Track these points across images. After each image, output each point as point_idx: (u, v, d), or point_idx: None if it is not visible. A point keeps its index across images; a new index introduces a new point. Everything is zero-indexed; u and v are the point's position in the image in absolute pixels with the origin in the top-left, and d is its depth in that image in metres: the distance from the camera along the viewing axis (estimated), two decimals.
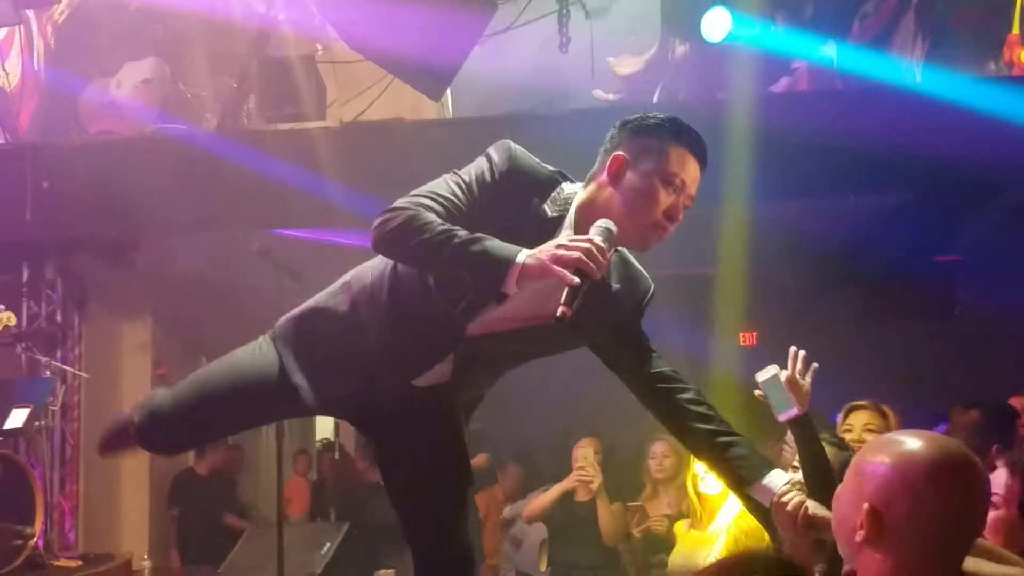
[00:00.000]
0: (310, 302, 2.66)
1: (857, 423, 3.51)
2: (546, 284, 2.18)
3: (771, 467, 2.43)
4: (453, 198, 2.29)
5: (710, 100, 6.21)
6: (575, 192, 2.40)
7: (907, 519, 1.52)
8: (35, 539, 5.44)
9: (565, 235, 2.27)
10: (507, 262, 2.14)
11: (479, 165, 2.35)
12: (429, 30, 5.08)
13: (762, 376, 2.77)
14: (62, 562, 5.99)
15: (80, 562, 6.09)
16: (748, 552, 1.39)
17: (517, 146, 2.39)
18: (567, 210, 2.36)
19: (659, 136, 2.34)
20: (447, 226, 2.20)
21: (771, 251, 7.67)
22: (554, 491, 5.22)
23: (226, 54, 6.80)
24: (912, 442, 1.59)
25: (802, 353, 2.77)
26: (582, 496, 5.31)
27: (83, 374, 6.92)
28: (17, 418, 5.00)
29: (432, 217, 2.22)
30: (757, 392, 2.79)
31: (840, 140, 5.44)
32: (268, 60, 6.30)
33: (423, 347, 2.45)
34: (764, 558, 1.22)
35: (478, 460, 6.04)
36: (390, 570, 5.78)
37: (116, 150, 6.27)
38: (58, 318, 6.88)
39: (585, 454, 5.11)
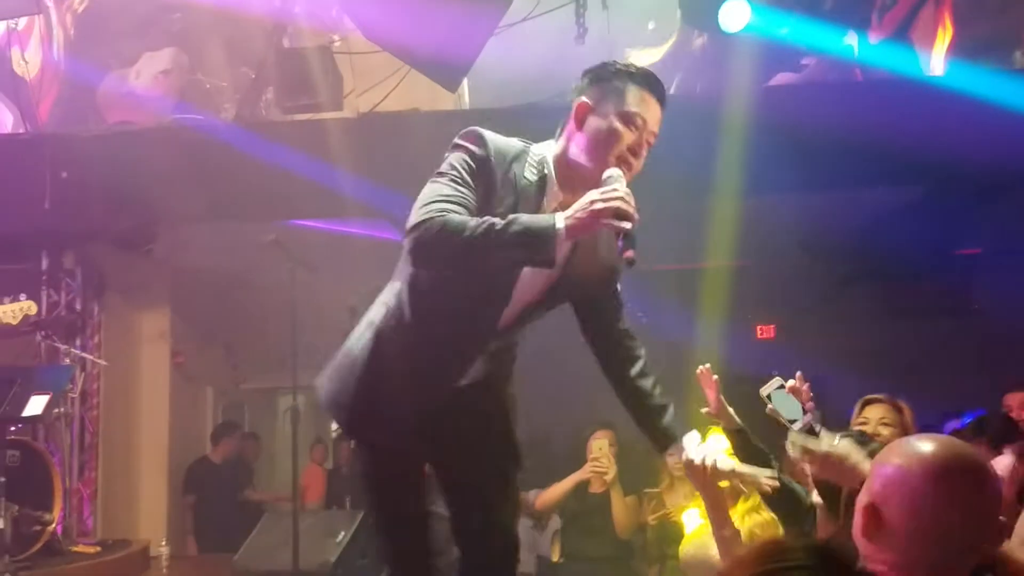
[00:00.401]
0: (339, 356, 2.70)
1: (872, 416, 3.50)
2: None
3: (687, 433, 2.69)
4: (460, 194, 2.36)
5: (729, 92, 6.18)
6: (544, 151, 2.51)
7: (905, 517, 1.52)
8: (54, 525, 5.50)
9: (552, 192, 2.45)
10: (550, 230, 2.25)
11: (459, 157, 2.43)
12: (445, 21, 5.08)
13: (767, 389, 2.89)
14: (80, 548, 6.05)
15: (98, 548, 6.15)
16: (781, 539, 1.39)
17: (482, 129, 2.48)
18: (544, 170, 2.48)
19: (618, 79, 2.47)
20: (478, 219, 2.28)
21: (789, 245, 7.64)
22: (567, 481, 5.22)
23: (244, 45, 6.82)
24: (922, 444, 1.61)
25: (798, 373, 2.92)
26: (596, 488, 5.32)
27: (102, 362, 6.97)
28: (36, 405, 5.05)
29: (461, 217, 2.29)
30: (768, 408, 2.87)
31: (859, 133, 5.40)
32: (285, 51, 6.32)
33: (458, 356, 2.58)
34: (801, 544, 1.21)
35: None
36: None
37: (134, 140, 6.30)
38: (77, 306, 6.94)
39: (600, 445, 5.11)
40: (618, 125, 2.43)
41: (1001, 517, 1.77)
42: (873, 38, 6.03)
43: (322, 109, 6.12)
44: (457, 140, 2.47)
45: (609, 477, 5.09)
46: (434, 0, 5.11)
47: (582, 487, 5.34)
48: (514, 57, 6.09)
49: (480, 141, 2.44)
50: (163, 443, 7.66)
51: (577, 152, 2.46)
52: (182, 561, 6.84)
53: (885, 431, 3.31)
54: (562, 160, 2.49)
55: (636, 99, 2.46)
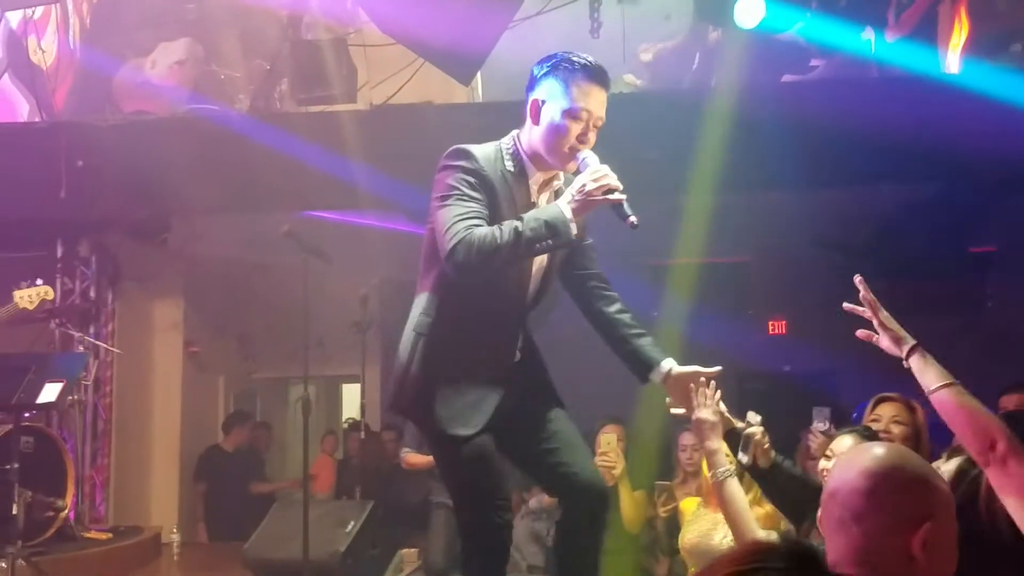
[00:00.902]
0: (398, 371, 2.91)
1: (885, 414, 3.51)
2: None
3: (666, 357, 2.99)
4: (471, 208, 2.68)
5: (742, 87, 6.17)
6: (511, 143, 2.86)
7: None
8: (66, 511, 5.55)
9: (534, 175, 2.84)
10: (562, 216, 2.67)
11: (455, 177, 2.72)
12: (459, 14, 5.08)
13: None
14: (92, 534, 6.11)
15: (110, 534, 6.21)
16: (765, 540, 1.41)
17: (462, 145, 2.79)
18: (519, 158, 2.83)
19: (563, 76, 2.78)
20: (501, 228, 2.64)
21: (802, 240, 7.62)
22: None
23: (259, 36, 6.83)
24: (868, 451, 1.73)
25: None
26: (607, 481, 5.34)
27: (116, 350, 7.02)
28: (50, 392, 5.08)
29: (484, 230, 2.64)
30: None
31: (873, 129, 5.39)
32: (300, 43, 6.34)
33: (507, 335, 2.94)
34: (784, 546, 1.24)
35: None
36: (413, 549, 5.85)
37: (149, 130, 6.33)
38: (92, 294, 6.98)
39: (608, 440, 5.11)
40: (566, 122, 2.76)
41: None
42: (890, 36, 6.00)
43: (336, 101, 6.14)
44: (446, 163, 2.76)
45: (617, 471, 5.09)
46: None
47: None
48: (528, 51, 6.09)
49: (467, 156, 2.75)
50: (175, 431, 7.71)
51: (537, 144, 2.81)
52: (193, 548, 6.90)
53: (896, 429, 3.32)
54: (529, 151, 2.84)
55: (580, 93, 2.77)
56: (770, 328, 9.21)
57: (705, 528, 3.94)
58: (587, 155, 2.76)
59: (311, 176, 5.90)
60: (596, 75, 2.78)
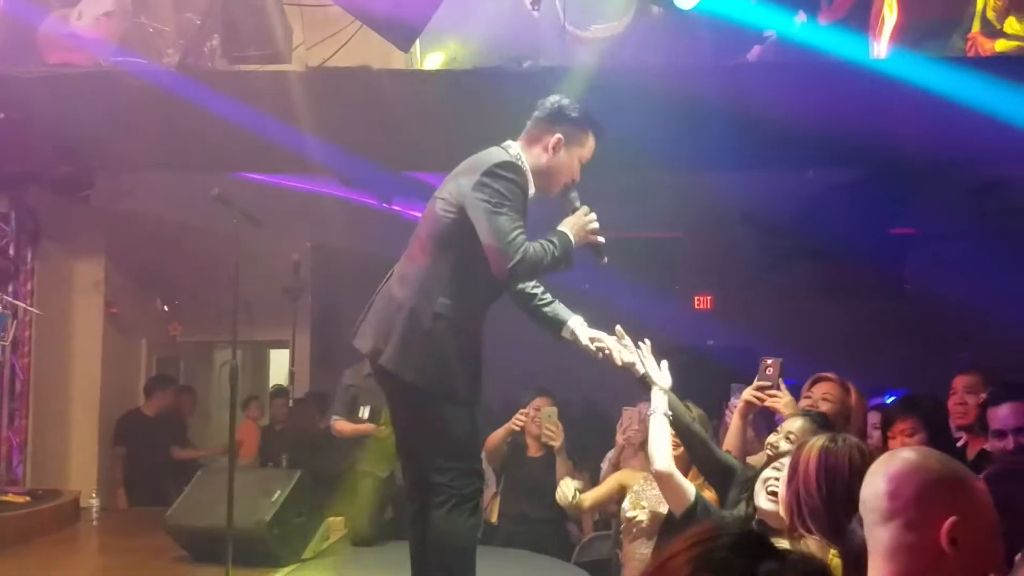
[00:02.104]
0: (421, 346, 3.31)
1: (817, 392, 3.66)
2: None
3: (573, 316, 3.50)
4: (522, 223, 3.21)
5: (678, 68, 6.22)
6: (520, 152, 3.38)
7: None
8: None
9: (531, 194, 3.35)
10: (572, 247, 3.30)
11: (509, 189, 3.22)
12: None
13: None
14: (9, 497, 5.97)
15: (28, 498, 6.07)
16: (714, 524, 1.46)
17: (514, 160, 3.31)
18: (526, 171, 3.34)
19: (585, 127, 3.43)
20: (545, 248, 3.22)
21: (731, 219, 7.76)
22: (501, 430, 5.33)
23: None
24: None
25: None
26: (534, 452, 5.42)
27: (35, 310, 6.83)
28: None
29: (535, 248, 3.19)
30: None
31: (803, 114, 5.49)
32: None
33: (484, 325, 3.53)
34: (736, 526, 1.30)
35: None
36: (339, 518, 5.84)
37: (73, 83, 6.11)
38: (10, 252, 6.77)
39: (549, 413, 5.18)
40: (576, 166, 3.43)
41: None
42: (823, 20, 6.10)
43: (269, 61, 5.99)
44: (501, 172, 3.24)
45: (557, 444, 5.17)
46: None
47: (520, 449, 5.43)
48: (469, 20, 6.04)
49: (520, 172, 3.29)
50: (95, 394, 7.55)
51: (543, 170, 3.39)
52: (113, 513, 6.78)
53: (825, 406, 3.47)
54: (535, 172, 3.38)
55: (591, 147, 3.45)
56: (696, 303, 9.39)
57: (653, 505, 3.95)
58: (575, 195, 3.41)
59: (242, 137, 5.78)
60: (602, 132, 3.45)
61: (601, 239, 3.34)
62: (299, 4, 6.08)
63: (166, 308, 8.29)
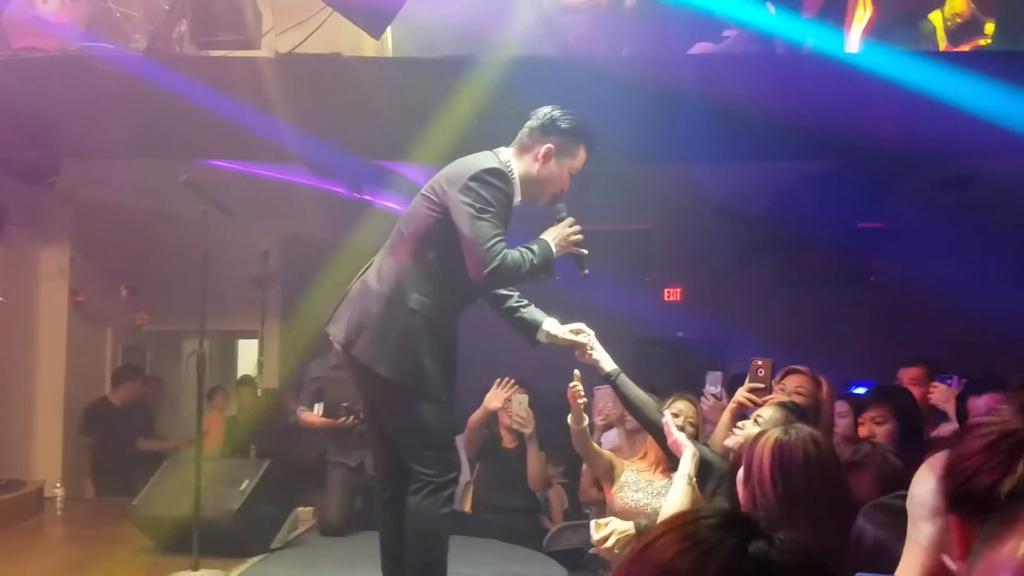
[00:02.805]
0: (397, 342, 3.35)
1: (789, 385, 3.69)
2: None
3: (547, 318, 3.52)
4: (503, 230, 3.27)
5: (651, 58, 6.23)
6: (509, 159, 3.41)
7: None
8: None
9: (516, 201, 3.39)
10: (553, 256, 3.35)
11: (495, 196, 3.26)
12: None
13: None
14: None
15: None
16: (699, 507, 1.45)
17: (502, 167, 3.34)
18: (513, 179, 3.37)
19: (577, 140, 3.46)
20: (523, 255, 3.27)
21: (702, 211, 7.79)
22: (479, 412, 5.33)
23: None
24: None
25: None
26: (508, 442, 5.42)
27: None
28: None
29: (514, 255, 3.25)
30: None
31: (774, 106, 5.52)
32: None
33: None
34: (718, 507, 1.29)
35: None
36: (308, 508, 5.82)
37: (39, 68, 6.00)
38: None
39: (520, 400, 5.19)
40: (565, 177, 3.47)
41: None
42: (805, 14, 6.13)
43: (239, 47, 5.92)
44: (488, 178, 3.28)
45: (528, 431, 5.18)
46: None
47: (494, 440, 5.42)
48: (440, 7, 6.01)
49: (507, 180, 3.33)
50: (60, 383, 7.46)
51: (533, 179, 3.43)
52: (78, 504, 6.70)
53: (798, 399, 3.49)
54: (522, 177, 3.41)
55: (581, 159, 3.48)
56: (666, 295, 9.43)
57: (645, 493, 3.91)
58: (562, 205, 3.47)
59: (211, 124, 5.71)
60: (594, 144, 3.49)
61: (584, 251, 3.41)
62: None
63: (133, 296, 8.19)
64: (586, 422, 3.82)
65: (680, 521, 0.97)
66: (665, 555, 0.94)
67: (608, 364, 3.45)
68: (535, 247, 3.33)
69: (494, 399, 5.34)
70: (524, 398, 5.23)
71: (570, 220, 3.43)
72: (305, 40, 6.05)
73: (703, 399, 4.07)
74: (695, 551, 0.94)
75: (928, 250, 7.74)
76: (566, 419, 3.93)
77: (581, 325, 3.52)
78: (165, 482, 5.16)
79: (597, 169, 6.23)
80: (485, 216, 3.23)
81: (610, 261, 8.29)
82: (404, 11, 5.50)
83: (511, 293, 3.54)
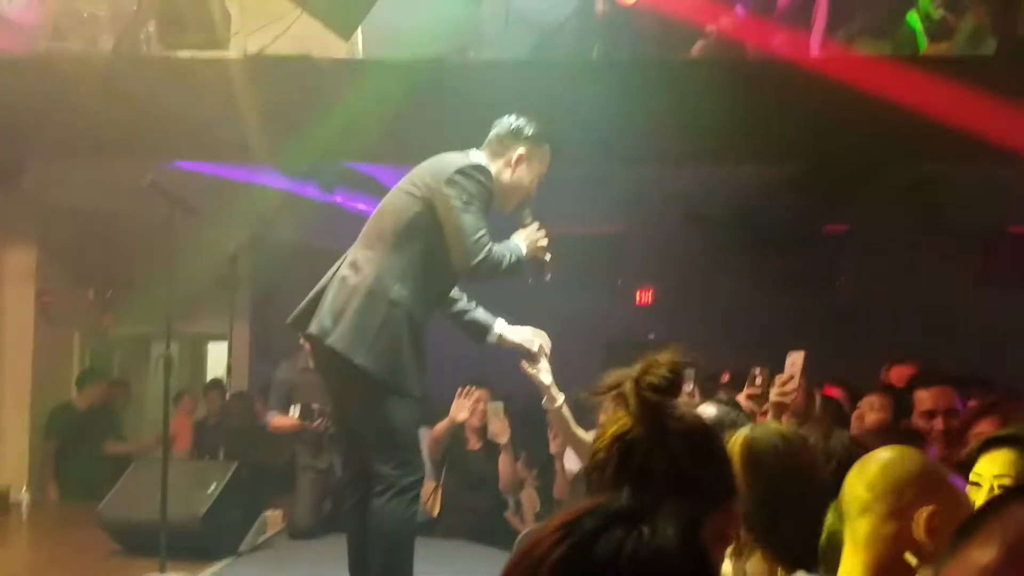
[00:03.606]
0: (377, 335, 3.35)
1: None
2: None
3: (496, 319, 3.59)
4: (486, 222, 3.34)
5: (622, 61, 6.27)
6: (482, 162, 3.48)
7: None
8: None
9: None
10: (522, 255, 3.43)
11: (478, 190, 3.35)
12: None
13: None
14: None
15: None
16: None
17: (484, 163, 3.45)
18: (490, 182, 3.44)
19: (543, 143, 3.56)
20: (504, 252, 3.36)
21: (669, 213, 7.84)
22: (444, 423, 5.31)
23: None
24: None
25: None
26: (474, 444, 5.42)
27: None
28: None
29: (498, 249, 3.35)
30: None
31: (743, 110, 5.58)
32: None
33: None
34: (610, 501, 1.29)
35: None
36: (278, 511, 5.78)
37: (5, 68, 5.94)
38: None
39: (495, 408, 5.15)
40: (534, 182, 3.56)
41: None
42: (763, 19, 6.20)
43: (207, 47, 5.89)
44: (473, 173, 3.38)
45: (503, 440, 5.15)
46: None
47: (460, 442, 5.42)
48: (410, 10, 6.01)
49: (490, 177, 3.43)
50: (26, 386, 7.36)
51: (504, 187, 3.51)
52: (43, 508, 6.63)
53: (787, 406, 3.49)
54: (496, 183, 3.48)
55: (547, 162, 3.59)
56: (638, 297, 9.47)
57: None
58: (529, 212, 3.55)
59: (179, 124, 5.68)
60: (556, 145, 3.59)
61: (548, 255, 3.50)
62: None
63: (100, 298, 8.10)
64: (561, 399, 3.57)
65: (565, 515, 0.97)
66: (542, 549, 0.94)
67: (554, 400, 3.39)
68: (511, 245, 3.42)
69: (460, 410, 5.31)
70: (499, 406, 5.19)
71: (536, 225, 3.52)
72: (274, 41, 6.03)
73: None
74: (572, 541, 0.93)
75: (894, 252, 7.84)
76: (539, 421, 3.94)
77: (542, 333, 3.52)
78: (131, 485, 5.12)
79: (568, 171, 6.26)
80: (471, 209, 3.33)
81: (582, 263, 8.33)
82: (375, 13, 5.50)
83: (459, 296, 3.63)
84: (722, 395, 3.51)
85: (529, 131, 3.53)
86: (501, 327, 3.58)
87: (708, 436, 1.65)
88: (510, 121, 3.56)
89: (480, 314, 3.62)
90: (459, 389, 5.33)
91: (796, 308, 8.04)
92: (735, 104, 5.59)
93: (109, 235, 7.57)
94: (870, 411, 3.94)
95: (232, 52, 6.00)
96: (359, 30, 5.98)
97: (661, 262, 8.82)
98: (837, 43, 6.24)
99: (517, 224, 3.56)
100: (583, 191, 6.65)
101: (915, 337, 6.81)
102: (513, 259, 3.39)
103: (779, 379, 3.45)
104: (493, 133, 3.56)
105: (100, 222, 7.35)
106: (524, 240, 3.47)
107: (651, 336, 9.23)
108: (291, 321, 3.51)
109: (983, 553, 1.00)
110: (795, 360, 3.45)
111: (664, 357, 1.59)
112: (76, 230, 7.42)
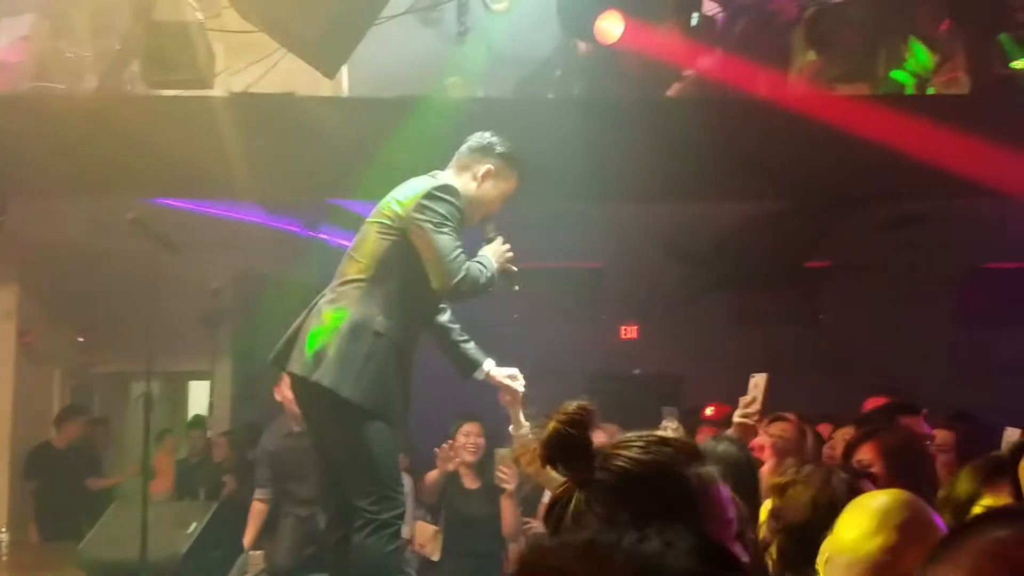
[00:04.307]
0: (359, 362, 3.37)
1: (774, 430, 3.69)
2: None
3: (487, 358, 3.65)
4: (461, 241, 3.36)
5: (603, 99, 6.34)
6: (450, 181, 3.49)
7: None
8: None
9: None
10: (494, 269, 3.45)
11: (449, 210, 3.37)
12: (326, 6, 4.99)
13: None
14: None
15: None
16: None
17: (453, 184, 3.46)
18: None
19: (511, 165, 3.62)
20: (481, 269, 3.40)
21: (653, 249, 7.88)
22: (435, 473, 5.23)
23: (110, 14, 6.53)
24: None
25: None
26: (470, 483, 5.28)
27: None
28: None
29: (475, 267, 3.38)
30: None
31: (723, 146, 5.64)
32: (155, 23, 6.06)
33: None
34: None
35: None
36: (259, 552, 5.70)
37: None
38: None
39: (503, 455, 4.92)
40: (499, 199, 3.59)
41: None
42: (740, 58, 6.29)
43: (192, 86, 5.92)
44: (442, 195, 3.40)
45: (509, 488, 5.03)
46: None
47: (455, 482, 5.33)
48: (396, 50, 6.07)
49: (458, 195, 3.44)
50: (6, 425, 7.30)
51: (470, 200, 3.52)
52: (23, 548, 6.53)
53: (780, 445, 3.50)
54: (465, 199, 3.48)
55: (514, 185, 3.63)
56: (622, 333, 9.49)
57: None
58: (493, 225, 3.60)
59: (163, 163, 5.68)
60: (524, 173, 3.64)
61: (514, 268, 3.55)
62: (222, 30, 6.03)
63: (81, 338, 8.05)
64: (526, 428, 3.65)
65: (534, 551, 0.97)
66: (560, 560, 0.94)
67: (519, 427, 3.55)
68: (483, 262, 3.46)
69: (446, 462, 5.22)
70: (507, 452, 5.04)
71: (501, 239, 3.57)
72: (259, 79, 6.07)
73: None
74: (591, 554, 0.93)
75: (875, 288, 7.90)
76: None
77: (516, 371, 3.64)
78: (111, 525, 5.06)
79: (551, 207, 6.31)
80: (444, 230, 3.35)
81: (566, 298, 8.36)
82: (361, 53, 5.54)
83: (454, 326, 3.68)
84: (706, 430, 3.52)
85: (500, 149, 3.59)
86: (490, 366, 3.63)
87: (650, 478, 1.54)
88: (483, 136, 3.61)
89: (472, 349, 3.67)
90: (437, 449, 5.21)
91: (779, 343, 8.08)
92: (717, 142, 5.65)
93: (91, 273, 7.54)
94: (842, 443, 3.93)
95: (216, 90, 6.03)
96: (344, 68, 6.03)
97: (645, 297, 8.85)
98: (816, 83, 6.35)
99: (481, 240, 3.61)
100: (567, 227, 6.69)
101: (897, 371, 6.84)
102: (490, 274, 3.43)
103: (742, 401, 3.46)
104: (464, 146, 3.62)
105: (82, 260, 7.32)
106: (492, 254, 3.51)
107: (636, 371, 9.25)
108: (271, 360, 3.51)
109: (953, 572, 1.01)
110: (758, 382, 3.47)
111: (571, 406, 1.55)
112: (58, 268, 7.39)
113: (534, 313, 7.44)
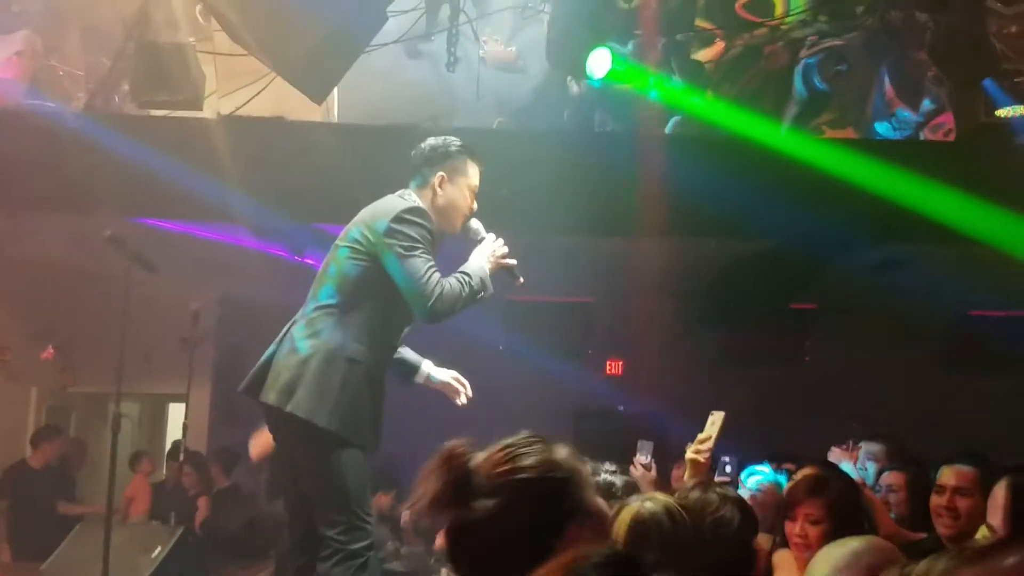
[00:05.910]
0: (336, 391, 3.32)
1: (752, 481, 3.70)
2: None
3: (424, 360, 3.69)
4: (433, 261, 3.32)
5: (596, 135, 6.36)
6: (417, 200, 3.46)
7: None
8: None
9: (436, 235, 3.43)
10: (487, 275, 3.42)
11: (420, 233, 3.32)
12: (315, 32, 4.99)
13: None
14: None
15: None
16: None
17: (422, 205, 3.42)
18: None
19: (462, 157, 3.53)
20: (461, 282, 3.33)
21: (639, 286, 7.86)
22: None
23: (102, 33, 6.53)
24: None
25: None
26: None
27: None
28: None
29: (451, 283, 3.32)
30: None
31: (708, 185, 5.64)
32: (146, 43, 6.07)
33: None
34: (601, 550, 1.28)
35: None
36: None
37: None
38: None
39: None
40: (468, 196, 3.53)
41: None
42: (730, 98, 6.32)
43: (180, 107, 5.91)
44: (410, 217, 3.34)
45: None
46: (305, 9, 5.01)
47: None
48: (387, 77, 6.08)
49: (428, 217, 3.39)
50: None
51: (439, 210, 3.48)
52: None
53: (759, 495, 3.61)
54: (432, 211, 3.44)
55: (474, 172, 3.55)
56: (608, 368, 9.43)
57: None
58: (478, 225, 3.53)
59: (148, 182, 5.65)
60: (480, 154, 3.56)
61: (513, 261, 3.49)
62: (213, 52, 6.03)
63: (58, 356, 7.97)
64: None
65: (564, 561, 0.96)
66: None
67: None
68: (467, 270, 3.40)
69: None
70: None
71: (492, 236, 3.53)
72: (248, 102, 6.07)
73: (632, 468, 4.03)
74: None
75: (860, 331, 7.87)
76: None
77: (456, 374, 3.67)
78: (75, 548, 4.98)
79: (540, 241, 6.29)
80: (415, 253, 3.30)
81: (551, 333, 8.30)
82: (349, 80, 5.54)
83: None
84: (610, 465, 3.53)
85: (443, 150, 3.53)
86: (429, 367, 3.65)
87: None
88: (426, 146, 3.56)
89: (408, 353, 3.66)
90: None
91: (764, 384, 8.04)
92: (705, 180, 5.65)
93: (70, 291, 7.47)
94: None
95: (206, 112, 6.02)
96: (334, 93, 6.03)
97: (631, 333, 8.80)
98: (805, 125, 6.38)
99: (471, 243, 3.54)
100: (554, 261, 6.66)
101: (881, 415, 6.80)
102: (475, 283, 3.36)
103: (698, 437, 3.43)
104: (412, 164, 3.56)
105: (60, 278, 7.26)
106: (485, 255, 3.46)
107: (620, 408, 9.17)
108: (243, 389, 3.44)
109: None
110: (715, 420, 3.44)
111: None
112: (36, 286, 7.32)
113: (521, 346, 7.40)
